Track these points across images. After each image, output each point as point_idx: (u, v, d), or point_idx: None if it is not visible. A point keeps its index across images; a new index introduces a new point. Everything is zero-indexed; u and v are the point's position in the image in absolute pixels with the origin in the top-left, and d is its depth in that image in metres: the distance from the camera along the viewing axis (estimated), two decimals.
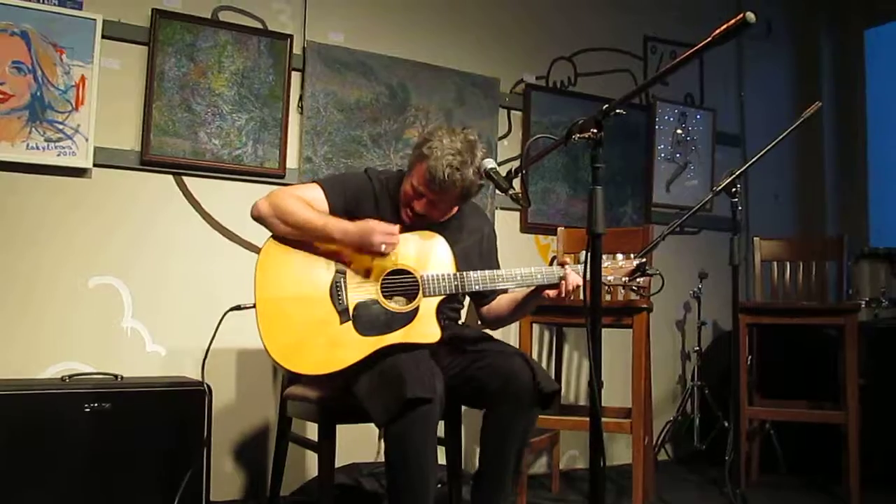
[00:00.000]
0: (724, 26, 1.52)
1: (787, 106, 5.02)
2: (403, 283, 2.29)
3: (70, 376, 2.76)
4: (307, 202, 2.32)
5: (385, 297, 2.27)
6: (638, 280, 2.32)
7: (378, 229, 2.23)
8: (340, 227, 2.25)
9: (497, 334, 3.77)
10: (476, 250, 2.54)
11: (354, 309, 2.24)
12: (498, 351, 2.37)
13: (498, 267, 2.60)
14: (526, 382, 2.25)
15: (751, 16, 1.47)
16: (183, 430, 2.77)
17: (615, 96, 1.90)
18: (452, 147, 2.27)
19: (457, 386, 2.31)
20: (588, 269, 1.85)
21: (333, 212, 2.35)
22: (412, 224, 2.39)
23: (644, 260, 2.34)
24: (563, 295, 2.32)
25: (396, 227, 2.26)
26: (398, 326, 2.24)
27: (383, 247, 2.22)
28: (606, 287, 2.56)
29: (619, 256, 2.35)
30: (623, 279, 2.32)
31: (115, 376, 2.83)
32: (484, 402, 2.35)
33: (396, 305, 2.27)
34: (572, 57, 4.31)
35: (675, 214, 4.25)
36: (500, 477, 2.32)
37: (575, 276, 2.29)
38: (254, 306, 2.24)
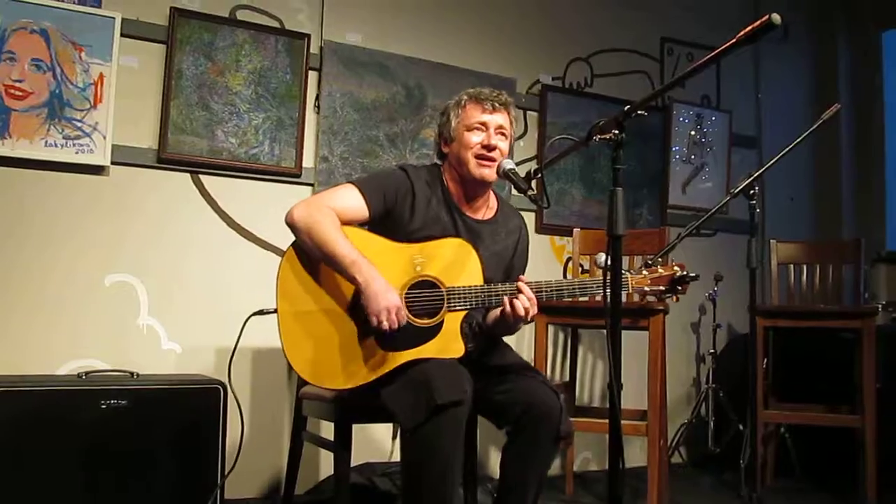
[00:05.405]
0: (750, 28, 1.50)
1: (804, 108, 4.99)
2: (428, 296, 2.25)
3: (86, 373, 2.77)
4: (345, 212, 2.27)
5: (409, 310, 2.22)
6: (678, 288, 2.22)
7: (392, 308, 2.12)
8: (363, 277, 2.14)
9: (514, 339, 3.80)
10: (511, 251, 2.52)
11: None
12: (525, 376, 2.31)
13: (525, 267, 2.60)
14: (550, 409, 2.20)
15: (776, 17, 1.44)
16: (198, 427, 2.77)
17: (632, 98, 1.88)
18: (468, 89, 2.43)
19: (477, 402, 2.20)
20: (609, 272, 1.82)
21: (373, 215, 2.32)
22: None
23: (685, 271, 2.24)
24: (511, 314, 2.22)
25: (403, 317, 2.16)
26: (422, 341, 2.20)
27: (385, 324, 2.12)
28: (641, 297, 2.47)
29: (658, 261, 2.27)
30: (660, 288, 2.24)
31: (131, 374, 2.84)
32: (506, 425, 2.29)
33: (420, 319, 2.23)
34: (589, 58, 4.29)
35: (691, 216, 4.23)
36: None
37: (523, 299, 2.21)
38: (275, 311, 2.23)
